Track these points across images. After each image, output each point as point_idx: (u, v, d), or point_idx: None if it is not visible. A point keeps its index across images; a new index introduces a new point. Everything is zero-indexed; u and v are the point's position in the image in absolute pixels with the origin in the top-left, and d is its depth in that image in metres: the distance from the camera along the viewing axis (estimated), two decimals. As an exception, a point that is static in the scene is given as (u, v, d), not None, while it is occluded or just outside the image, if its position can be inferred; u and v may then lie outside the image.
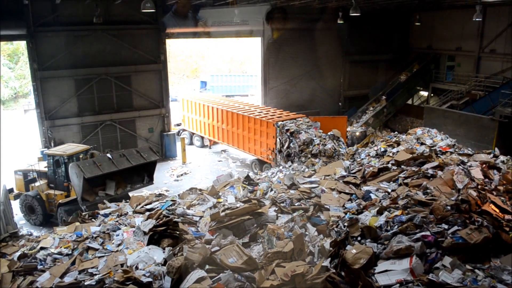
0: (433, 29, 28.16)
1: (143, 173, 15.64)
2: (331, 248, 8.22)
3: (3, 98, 39.42)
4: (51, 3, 19.13)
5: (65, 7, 19.57)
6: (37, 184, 15.43)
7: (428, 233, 7.59)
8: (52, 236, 10.40)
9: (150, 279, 7.26)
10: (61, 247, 9.61)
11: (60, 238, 10.14)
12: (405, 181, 11.30)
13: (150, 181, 15.86)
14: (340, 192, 11.40)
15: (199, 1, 20.10)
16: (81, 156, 14.99)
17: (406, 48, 30.53)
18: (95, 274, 7.94)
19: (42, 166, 15.82)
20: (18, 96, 40.73)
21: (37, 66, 19.71)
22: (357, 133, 23.61)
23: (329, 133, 18.72)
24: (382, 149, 15.79)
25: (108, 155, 14.61)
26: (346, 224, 9.08)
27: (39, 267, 8.72)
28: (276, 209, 10.30)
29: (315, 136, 18.11)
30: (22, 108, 37.84)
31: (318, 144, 17.73)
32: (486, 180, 10.59)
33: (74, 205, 14.33)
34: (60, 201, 14.72)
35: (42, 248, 9.65)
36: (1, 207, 12.22)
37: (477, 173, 10.83)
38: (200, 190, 12.99)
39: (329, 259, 7.94)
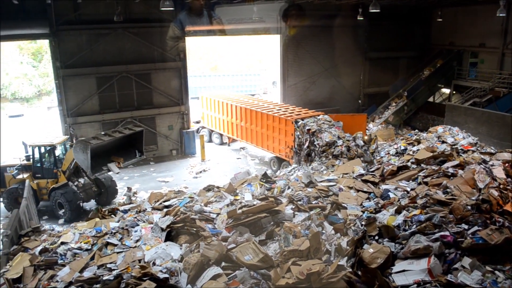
0: (455, 25, 27.56)
1: (134, 150, 17.16)
2: (348, 247, 8.19)
3: (27, 96, 40.33)
4: (73, 2, 19.44)
5: (87, 5, 19.87)
6: (25, 175, 16.00)
7: (447, 233, 7.47)
8: (72, 231, 10.64)
9: (166, 275, 7.36)
10: (81, 242, 9.83)
11: (80, 234, 10.37)
12: (425, 180, 11.17)
13: (141, 155, 17.32)
14: (358, 191, 11.33)
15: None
16: (69, 144, 16.30)
17: (428, 45, 29.98)
18: (114, 269, 8.10)
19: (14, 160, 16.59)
20: (41, 94, 41.57)
21: (59, 64, 20.05)
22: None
23: (354, 135, 17.92)
24: (402, 147, 15.61)
25: (102, 133, 16.65)
26: (363, 223, 9.02)
27: (60, 261, 8.93)
28: (293, 207, 10.29)
29: (338, 138, 17.50)
30: (45, 106, 38.65)
31: (340, 146, 17.07)
32: (509, 179, 10.38)
33: (67, 188, 15.67)
34: (53, 186, 15.69)
35: (62, 243, 9.89)
36: (24, 203, 12.52)
37: (499, 172, 10.64)
38: (218, 187, 13.06)
39: (346, 258, 7.91)
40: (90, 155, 14.58)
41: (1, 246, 10.13)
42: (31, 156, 16.11)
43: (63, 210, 15.61)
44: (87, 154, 14.60)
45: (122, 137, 16.27)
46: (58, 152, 16.27)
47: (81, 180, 16.46)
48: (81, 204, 16.10)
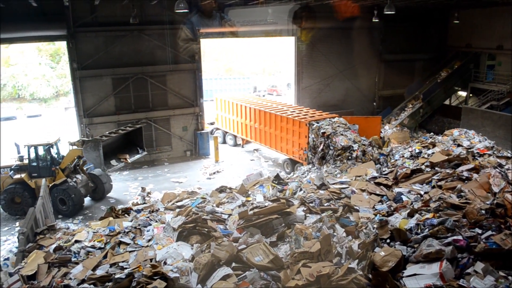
0: (472, 27, 27.17)
1: (136, 147, 18.74)
2: (359, 250, 8.13)
3: (45, 96, 41.02)
4: (90, 4, 19.75)
5: (103, 8, 20.15)
6: (22, 175, 16.33)
7: (460, 237, 7.38)
8: (86, 230, 10.77)
9: (177, 275, 7.41)
10: (94, 241, 9.96)
11: (94, 232, 10.50)
12: (439, 183, 11.06)
13: (143, 151, 18.73)
14: (370, 193, 11.27)
15: (232, 0, 20.20)
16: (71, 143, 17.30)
17: (444, 47, 29.61)
18: (125, 268, 8.19)
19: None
20: (59, 95, 42.26)
21: (76, 65, 20.37)
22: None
23: (370, 140, 17.86)
24: (417, 151, 15.46)
25: (107, 132, 18.08)
26: (375, 226, 8.97)
27: (73, 259, 9.08)
28: (305, 209, 10.27)
29: (354, 142, 17.25)
30: (63, 106, 39.25)
31: (356, 150, 16.84)
32: (525, 184, 10.18)
33: (68, 184, 16.16)
34: (54, 183, 16.11)
35: (76, 241, 10.04)
36: (40, 201, 12.72)
37: (515, 176, 10.45)
38: (230, 188, 13.10)
39: (357, 261, 7.87)
40: (102, 151, 15.86)
41: (17, 243, 10.35)
42: (24, 157, 16.53)
43: (65, 206, 16.10)
44: (99, 151, 15.69)
45: (126, 136, 17.59)
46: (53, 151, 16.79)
47: (79, 177, 17.01)
48: (83, 199, 16.75)
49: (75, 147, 17.01)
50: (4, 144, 17.10)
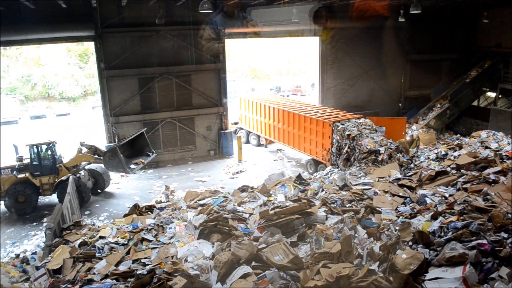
0: (502, 27, 26.39)
1: (145, 152, 19.29)
2: (380, 252, 8.03)
3: (73, 95, 42.00)
4: (117, 5, 20.15)
5: (130, 9, 20.56)
6: (26, 174, 16.78)
7: (484, 241, 7.20)
8: (110, 227, 11.00)
9: (197, 272, 7.47)
10: (118, 237, 10.15)
11: (118, 229, 10.71)
12: (464, 186, 10.83)
13: (153, 154, 19.33)
14: (393, 195, 11.11)
15: (256, 0, 20.22)
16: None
17: (472, 47, 28.87)
18: (147, 264, 8.33)
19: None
20: (87, 94, 43.21)
21: (103, 65, 20.83)
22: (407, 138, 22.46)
23: (396, 143, 17.31)
24: (443, 152, 15.17)
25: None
26: (397, 228, 8.84)
27: (97, 254, 9.29)
28: (326, 209, 10.20)
29: (381, 145, 16.88)
30: (90, 105, 40.14)
31: (382, 154, 16.46)
32: (554, 187, 9.87)
33: (78, 181, 16.91)
34: (61, 179, 16.88)
35: (101, 237, 10.27)
36: (68, 198, 13.08)
37: (544, 180, 10.15)
38: (252, 188, 13.13)
39: (378, 263, 7.78)
40: (121, 156, 16.70)
41: (45, 238, 10.68)
42: (24, 157, 17.01)
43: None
44: (119, 156, 16.58)
45: (133, 145, 18.85)
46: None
47: (82, 172, 17.83)
48: (90, 194, 17.52)
49: (84, 148, 17.71)
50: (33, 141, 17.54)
